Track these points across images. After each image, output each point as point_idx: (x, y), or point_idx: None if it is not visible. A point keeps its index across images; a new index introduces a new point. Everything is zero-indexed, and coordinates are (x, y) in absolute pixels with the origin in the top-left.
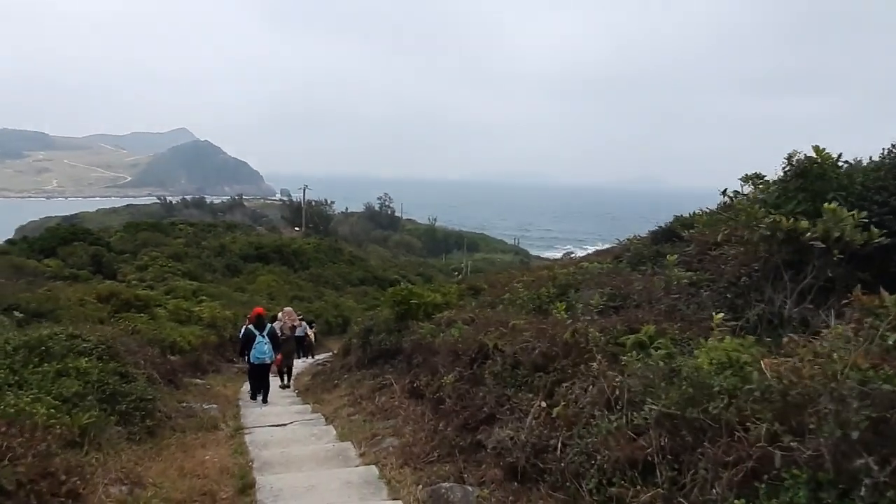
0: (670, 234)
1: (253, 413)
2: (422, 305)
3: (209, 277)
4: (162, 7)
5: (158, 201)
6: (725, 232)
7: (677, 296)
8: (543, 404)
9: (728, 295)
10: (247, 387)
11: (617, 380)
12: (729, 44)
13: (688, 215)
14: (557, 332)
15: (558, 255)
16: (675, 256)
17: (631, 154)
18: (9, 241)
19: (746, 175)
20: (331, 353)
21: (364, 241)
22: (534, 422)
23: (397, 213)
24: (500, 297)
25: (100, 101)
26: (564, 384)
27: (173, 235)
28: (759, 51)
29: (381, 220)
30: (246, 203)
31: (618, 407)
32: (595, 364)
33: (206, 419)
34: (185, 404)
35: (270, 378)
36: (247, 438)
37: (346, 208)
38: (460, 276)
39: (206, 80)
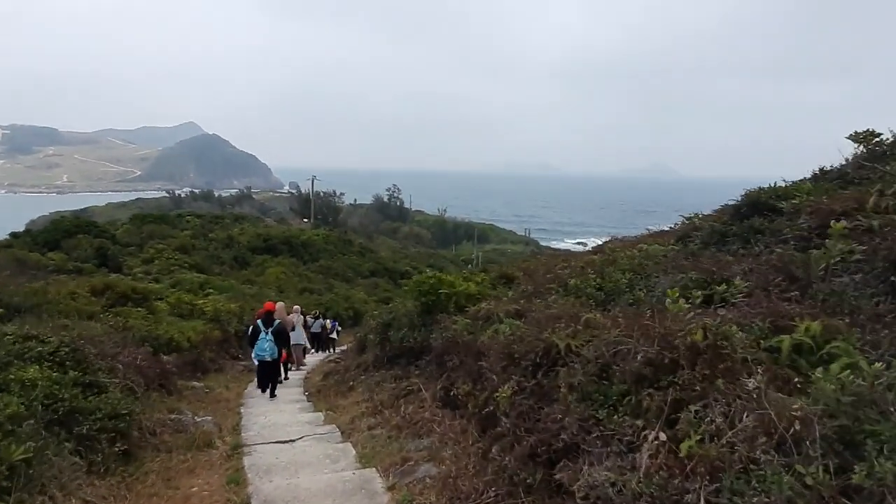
0: (757, 208)
1: (256, 423)
2: (452, 296)
3: (217, 270)
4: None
5: (167, 195)
6: (879, 195)
7: (839, 278)
8: (662, 436)
9: (893, 278)
10: (251, 387)
11: (794, 406)
12: (740, 28)
13: (782, 184)
14: (671, 330)
15: (568, 245)
16: (842, 224)
17: (640, 143)
18: (12, 235)
19: (857, 133)
20: (343, 349)
21: (373, 233)
22: (649, 461)
23: (406, 205)
24: (545, 287)
25: (108, 96)
26: (692, 407)
27: (180, 227)
28: (773, 35)
29: (390, 211)
30: (254, 196)
31: (798, 449)
32: (749, 378)
33: (198, 434)
34: (174, 415)
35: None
36: (246, 461)
37: (355, 200)
38: (471, 268)
39: (213, 74)
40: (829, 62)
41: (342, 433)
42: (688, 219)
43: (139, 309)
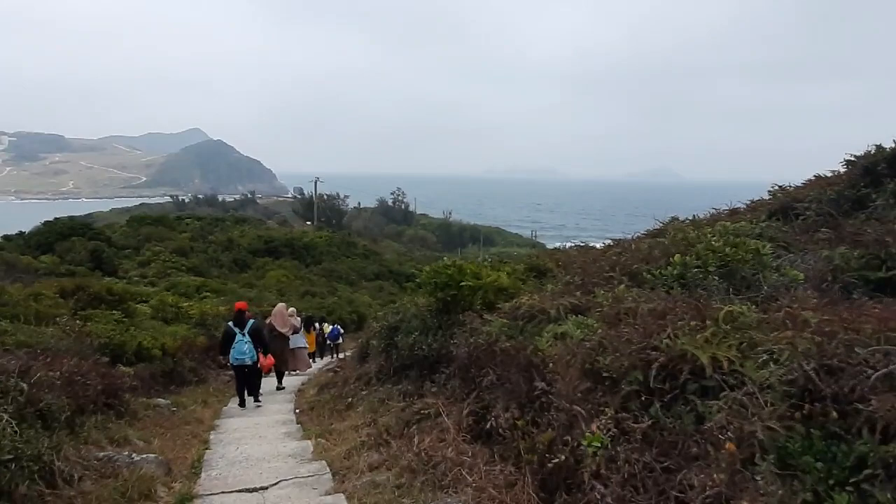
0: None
1: (224, 456)
2: (478, 290)
3: (215, 273)
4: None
5: (172, 200)
6: None
7: None
8: None
9: None
10: (233, 402)
11: None
12: (745, 30)
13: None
14: None
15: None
16: None
17: (643, 147)
18: (5, 237)
19: None
20: (343, 356)
21: (378, 236)
22: None
23: (411, 209)
24: (599, 276)
25: (114, 104)
26: None
27: (179, 230)
28: (777, 37)
29: (394, 214)
30: (259, 200)
31: None
32: None
33: (133, 480)
34: (105, 453)
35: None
36: None
37: (359, 203)
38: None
39: (217, 80)
40: (835, 63)
41: (333, 475)
42: (778, 191)
43: (114, 312)
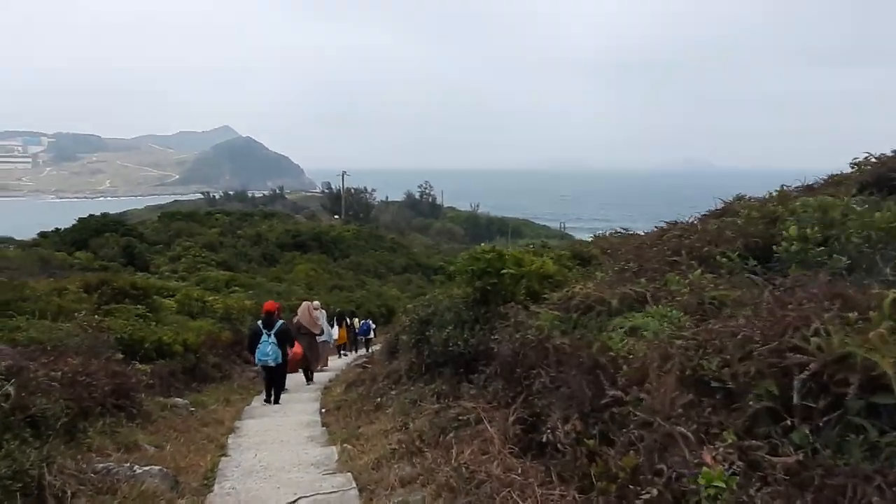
0: None
1: (240, 465)
2: (521, 278)
3: (244, 267)
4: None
5: (203, 197)
6: None
7: None
8: None
9: None
10: (257, 400)
11: None
12: (779, 14)
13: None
14: None
15: None
16: None
17: (676, 136)
18: (41, 234)
19: None
20: (371, 351)
21: (405, 229)
22: None
23: (438, 202)
24: (659, 262)
25: (147, 104)
26: None
27: (208, 225)
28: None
29: (421, 208)
30: (287, 196)
31: None
32: None
33: (132, 498)
34: (105, 464)
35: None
36: None
37: (387, 197)
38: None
39: (247, 78)
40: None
41: (360, 491)
42: (868, 162)
43: (138, 307)
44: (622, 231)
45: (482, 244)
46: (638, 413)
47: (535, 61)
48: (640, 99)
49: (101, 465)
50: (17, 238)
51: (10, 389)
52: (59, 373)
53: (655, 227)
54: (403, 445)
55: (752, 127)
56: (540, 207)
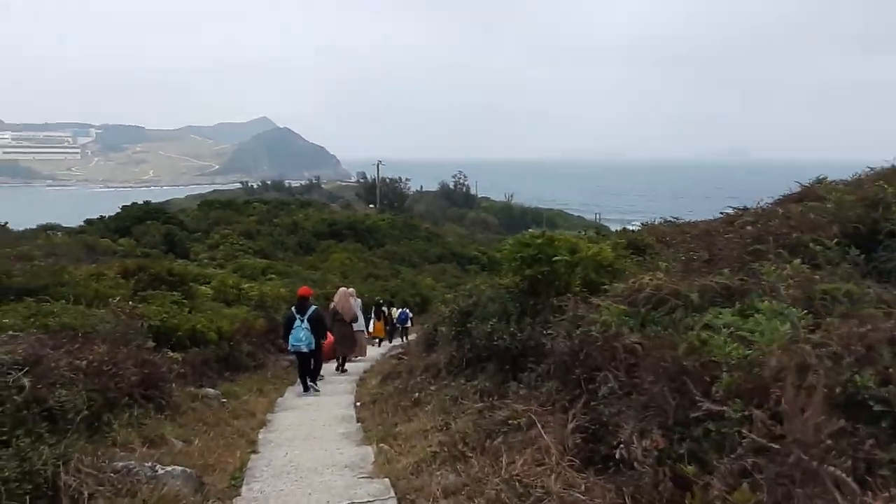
0: None
1: (270, 464)
2: (576, 266)
3: (280, 255)
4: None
5: (241, 186)
6: None
7: None
8: None
9: None
10: (290, 392)
11: None
12: (830, 2)
13: None
14: None
15: None
16: None
17: (717, 126)
18: (87, 222)
19: None
20: (405, 342)
21: (439, 219)
22: None
23: (472, 192)
24: (736, 251)
25: (189, 95)
26: None
27: (246, 213)
28: (866, 6)
29: (456, 198)
30: (323, 185)
31: None
32: None
33: (153, 501)
34: (124, 463)
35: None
36: None
37: (421, 187)
38: None
39: (284, 70)
40: None
41: (399, 501)
42: None
43: (173, 293)
44: (672, 219)
45: (529, 230)
46: (752, 436)
47: (574, 50)
48: (680, 89)
49: (122, 463)
50: (64, 225)
51: (25, 380)
52: (84, 362)
53: (721, 213)
54: (445, 449)
55: (801, 118)
56: (575, 197)
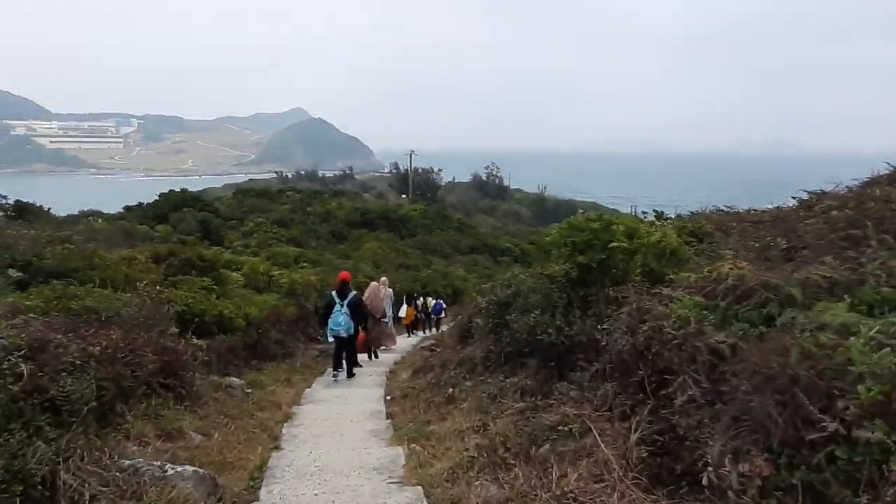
0: None
1: (292, 465)
2: (636, 253)
3: (313, 244)
4: None
5: (276, 175)
6: None
7: None
8: None
9: None
10: (318, 384)
11: None
12: None
13: None
14: None
15: None
16: None
17: (756, 116)
18: (126, 208)
19: None
20: (438, 333)
21: (472, 210)
22: None
23: (505, 183)
24: (817, 238)
25: (226, 86)
26: None
27: (280, 202)
28: None
29: (488, 189)
30: (356, 176)
31: None
32: None
33: None
34: (132, 461)
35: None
36: None
37: (454, 178)
38: None
39: (319, 60)
40: None
41: None
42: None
43: (203, 279)
44: (727, 208)
45: (582, 213)
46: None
47: (611, 38)
48: (721, 77)
49: (129, 461)
50: (105, 212)
51: (24, 367)
52: (97, 348)
53: (794, 198)
54: (484, 454)
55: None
56: (609, 189)
